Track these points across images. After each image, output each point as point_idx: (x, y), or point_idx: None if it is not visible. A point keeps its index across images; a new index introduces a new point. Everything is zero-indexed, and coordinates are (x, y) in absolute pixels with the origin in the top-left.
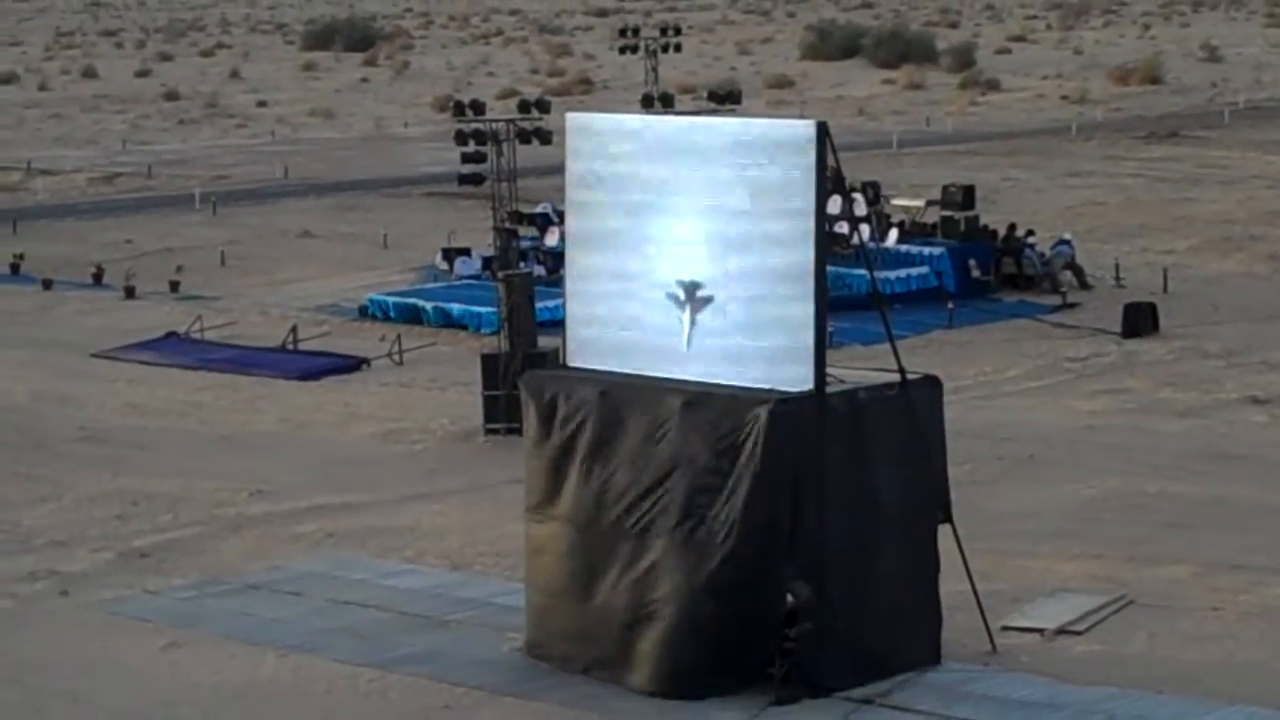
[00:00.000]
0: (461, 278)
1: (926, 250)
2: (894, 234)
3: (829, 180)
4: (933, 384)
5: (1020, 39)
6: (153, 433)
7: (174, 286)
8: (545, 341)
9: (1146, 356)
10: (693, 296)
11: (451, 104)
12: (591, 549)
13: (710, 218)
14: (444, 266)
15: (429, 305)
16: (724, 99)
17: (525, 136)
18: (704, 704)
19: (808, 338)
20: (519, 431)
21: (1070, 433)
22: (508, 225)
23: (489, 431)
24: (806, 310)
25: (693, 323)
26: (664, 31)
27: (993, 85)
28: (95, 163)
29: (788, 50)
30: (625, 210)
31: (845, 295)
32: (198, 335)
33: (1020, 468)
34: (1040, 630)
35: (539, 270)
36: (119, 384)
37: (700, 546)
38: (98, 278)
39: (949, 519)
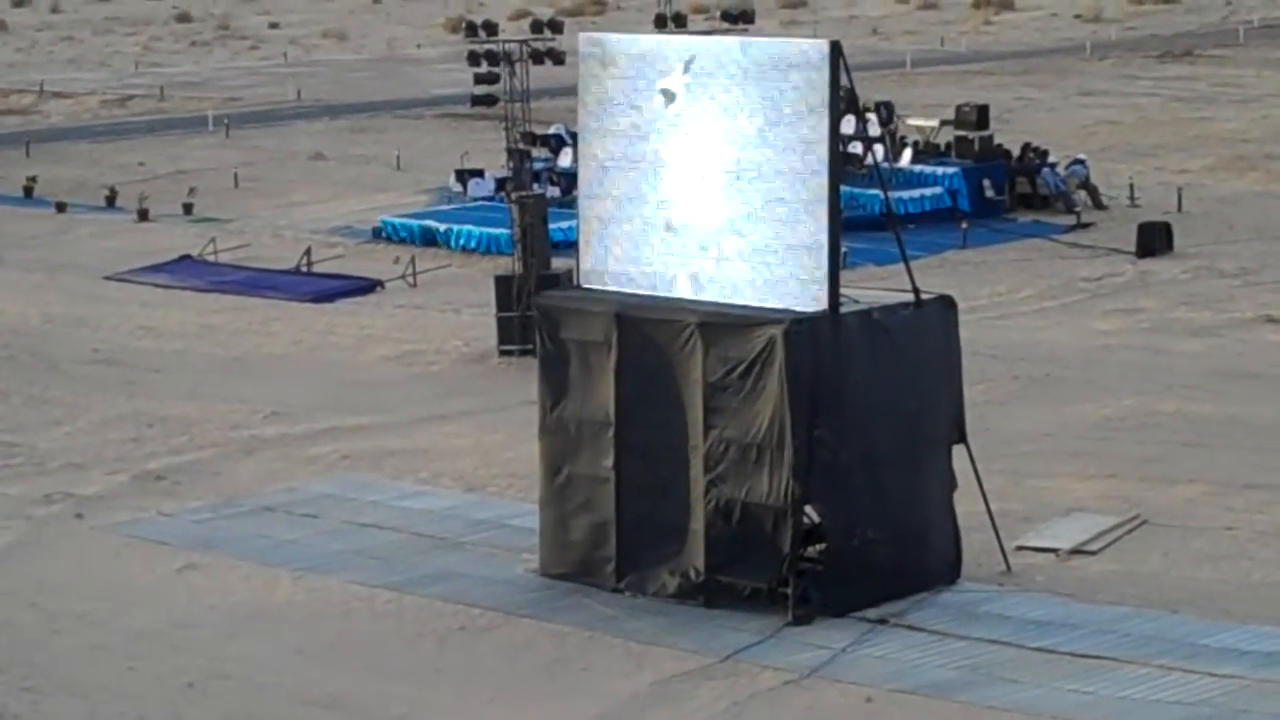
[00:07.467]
0: (475, 199)
1: (940, 170)
2: (908, 154)
3: (842, 100)
4: (947, 304)
5: None
6: (167, 355)
7: (187, 209)
8: (559, 263)
9: (1161, 276)
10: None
11: (464, 25)
12: (606, 468)
13: (723, 138)
14: (457, 188)
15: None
16: (737, 19)
17: (538, 57)
18: (718, 624)
19: (822, 258)
20: (533, 353)
21: (1085, 352)
22: (521, 146)
23: (503, 353)
24: (820, 230)
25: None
26: None
27: (1006, 4)
28: (107, 85)
29: None
30: (638, 131)
31: (859, 216)
32: (211, 258)
33: (1035, 387)
34: (1055, 550)
35: (552, 191)
36: (133, 307)
37: (714, 465)
38: (111, 200)
39: (964, 439)
